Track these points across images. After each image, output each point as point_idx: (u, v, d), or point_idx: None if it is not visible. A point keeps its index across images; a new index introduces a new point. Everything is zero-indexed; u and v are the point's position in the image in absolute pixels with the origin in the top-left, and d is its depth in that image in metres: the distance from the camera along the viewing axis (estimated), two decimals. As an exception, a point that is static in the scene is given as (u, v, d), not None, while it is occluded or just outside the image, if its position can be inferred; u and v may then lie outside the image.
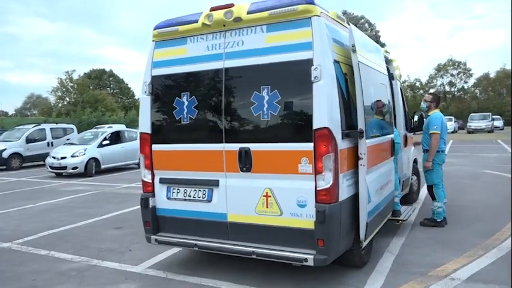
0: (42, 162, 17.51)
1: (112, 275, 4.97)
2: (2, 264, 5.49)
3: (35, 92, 76.11)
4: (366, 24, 49.40)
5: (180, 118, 4.71)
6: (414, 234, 6.19)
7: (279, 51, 4.14)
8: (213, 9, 4.45)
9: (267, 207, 4.24)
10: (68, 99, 58.03)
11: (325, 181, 3.95)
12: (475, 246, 5.45)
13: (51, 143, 19.47)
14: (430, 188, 6.71)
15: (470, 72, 65.13)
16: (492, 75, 63.87)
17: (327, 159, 3.93)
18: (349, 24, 4.58)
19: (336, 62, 4.16)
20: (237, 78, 4.40)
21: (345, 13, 48.23)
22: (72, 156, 14.92)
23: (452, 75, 65.70)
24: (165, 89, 4.85)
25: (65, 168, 14.88)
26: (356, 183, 4.35)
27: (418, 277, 4.52)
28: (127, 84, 67.98)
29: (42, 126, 20.25)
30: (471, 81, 66.19)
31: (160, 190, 4.90)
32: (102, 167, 15.57)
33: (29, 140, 18.96)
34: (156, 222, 4.92)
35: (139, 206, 5.05)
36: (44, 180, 14.32)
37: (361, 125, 4.23)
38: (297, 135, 4.13)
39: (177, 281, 4.70)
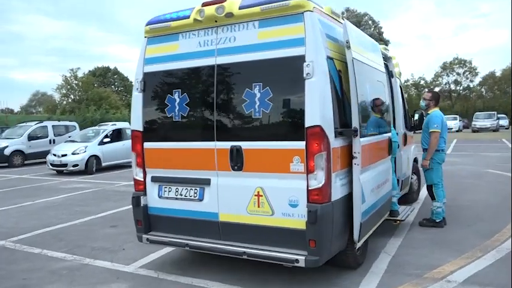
0: (44, 160, 17.49)
1: (103, 275, 4.90)
2: (-6, 263, 5.45)
3: (40, 90, 76.51)
4: (370, 22, 48.99)
5: (172, 115, 4.63)
6: (412, 234, 6.08)
7: (271, 47, 4.05)
8: (204, 4, 4.36)
9: (259, 206, 4.16)
10: (72, 96, 58.18)
11: (317, 180, 3.86)
12: (474, 248, 5.34)
13: (53, 140, 19.48)
14: (429, 188, 6.60)
15: (476, 70, 64.68)
16: (498, 73, 63.37)
17: (319, 158, 3.83)
18: (344, 20, 4.47)
19: (329, 58, 4.06)
20: (229, 75, 4.32)
21: (348, 10, 47.97)
22: (73, 154, 14.90)
23: (458, 73, 65.22)
24: (157, 86, 4.77)
25: (65, 165, 14.86)
26: (350, 183, 4.25)
27: (413, 279, 4.42)
28: (131, 82, 67.88)
29: (44, 123, 20.22)
30: (477, 80, 65.76)
31: (152, 189, 4.83)
32: (103, 164, 15.54)
33: (31, 137, 18.96)
34: (147, 221, 4.85)
35: (133, 205, 4.97)
36: (45, 178, 14.31)
37: (355, 123, 4.13)
38: (289, 133, 4.04)
39: (168, 281, 4.63)
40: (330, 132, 3.89)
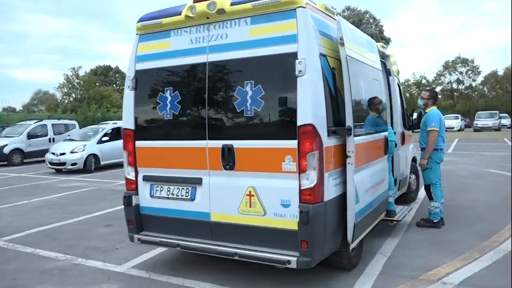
0: (43, 158, 17.45)
1: (94, 275, 4.84)
2: (-15, 262, 5.39)
3: (42, 88, 76.58)
4: (371, 20, 48.75)
5: (164, 114, 4.56)
6: (409, 235, 5.99)
7: (263, 44, 3.97)
8: (196, 0, 4.28)
9: (250, 206, 4.08)
10: (74, 95, 58.20)
11: (309, 180, 3.78)
12: (472, 249, 5.25)
13: (53, 138, 19.40)
14: (427, 188, 6.51)
15: (479, 70, 64.37)
16: (500, 72, 63.11)
17: (311, 157, 3.76)
18: (337, 16, 4.38)
19: (322, 55, 3.98)
20: (221, 72, 4.24)
21: (348, 8, 47.71)
22: (72, 152, 14.84)
23: (460, 72, 64.94)
24: (148, 84, 4.70)
25: (64, 164, 14.80)
26: (344, 183, 4.17)
27: (408, 281, 4.34)
28: (132, 81, 67.86)
29: (44, 122, 20.17)
30: (479, 79, 65.49)
31: (143, 188, 4.76)
32: (102, 163, 15.47)
33: (30, 136, 18.91)
34: (139, 221, 4.78)
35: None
36: (43, 176, 14.27)
37: (349, 121, 4.05)
38: (281, 132, 3.96)
39: (159, 281, 4.56)
40: (322, 131, 3.81)
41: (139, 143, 4.74)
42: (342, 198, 4.15)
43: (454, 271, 4.56)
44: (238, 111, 4.09)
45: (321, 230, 3.85)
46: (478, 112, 42.97)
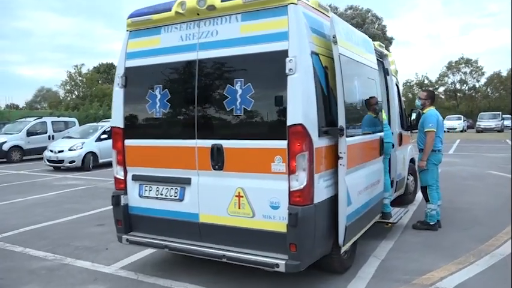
0: (42, 156, 17.39)
1: (82, 275, 4.76)
2: (-27, 261, 5.31)
3: (46, 86, 76.66)
4: (373, 18, 48.40)
5: (153, 112, 4.47)
6: (405, 237, 5.89)
7: (253, 41, 3.87)
8: None
9: (239, 208, 3.98)
10: (76, 93, 58.26)
11: (299, 182, 3.68)
12: (468, 252, 5.14)
13: (52, 136, 19.34)
14: (424, 189, 6.40)
15: (482, 70, 64.00)
16: (504, 73, 62.71)
17: (301, 158, 3.66)
18: (331, 14, 4.27)
19: (314, 54, 3.88)
20: (211, 70, 4.15)
21: (351, 7, 47.39)
22: (70, 150, 14.78)
23: (464, 73, 64.56)
24: (138, 82, 4.61)
25: (62, 161, 14.75)
26: (336, 184, 4.07)
27: (401, 285, 4.24)
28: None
29: (44, 119, 20.13)
30: (483, 80, 65.09)
31: (132, 187, 4.67)
32: (100, 161, 15.40)
33: (29, 133, 18.86)
34: (128, 221, 4.69)
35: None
36: (41, 174, 14.20)
37: (341, 121, 3.95)
38: (270, 132, 3.87)
39: (147, 283, 4.48)
40: (313, 131, 3.70)
41: (128, 142, 4.66)
42: (334, 200, 4.05)
43: (448, 275, 4.46)
44: (227, 110, 4.00)
45: (311, 233, 3.75)
46: (481, 113, 42.70)
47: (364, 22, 45.58)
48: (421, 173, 6.43)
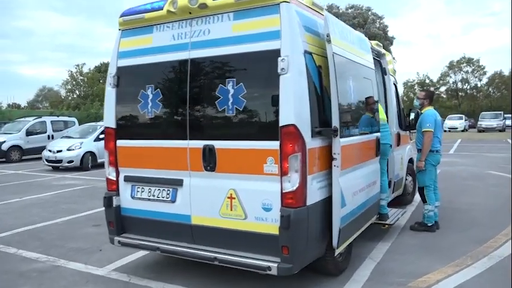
0: (41, 155, 17.37)
1: (74, 277, 4.70)
2: (-35, 263, 5.26)
3: (47, 85, 76.67)
4: (374, 17, 48.09)
5: (145, 112, 4.42)
6: (401, 239, 5.81)
7: (245, 40, 3.81)
8: None
9: (231, 210, 3.92)
10: (77, 92, 58.27)
11: (291, 183, 3.61)
12: (465, 254, 5.06)
13: (52, 135, 19.27)
14: (421, 190, 6.33)
15: (484, 70, 63.73)
16: (506, 73, 62.46)
17: (293, 159, 3.59)
18: (325, 12, 4.20)
19: (308, 53, 3.82)
20: (203, 70, 4.09)
21: (352, 7, 47.18)
22: (68, 150, 14.73)
23: (466, 72, 64.28)
24: (130, 81, 4.55)
25: (60, 161, 14.71)
26: (330, 186, 4.00)
27: (396, 288, 4.18)
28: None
29: (43, 119, 20.07)
30: (484, 80, 64.83)
31: (124, 189, 4.62)
32: (99, 161, 15.28)
33: (29, 133, 18.80)
34: (120, 223, 4.64)
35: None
36: (39, 174, 14.16)
37: (335, 122, 3.88)
38: (262, 132, 3.80)
39: (139, 285, 4.42)
40: (305, 131, 3.64)
41: (120, 142, 4.60)
42: (328, 201, 3.99)
43: (444, 278, 4.39)
44: (219, 110, 3.94)
45: (303, 236, 3.68)
46: (482, 113, 42.49)
47: (366, 22, 45.35)
48: (418, 173, 6.36)
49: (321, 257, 4.12)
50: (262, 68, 3.76)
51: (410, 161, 7.93)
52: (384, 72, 6.71)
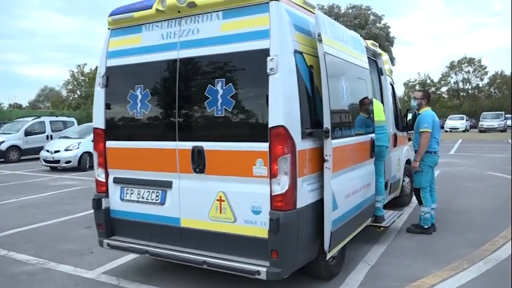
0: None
1: (63, 281, 4.63)
2: (-46, 265, 5.20)
3: (49, 85, 76.70)
4: (374, 18, 47.88)
5: (134, 113, 4.34)
6: (397, 242, 5.72)
7: (234, 40, 3.73)
8: None
9: (221, 212, 3.84)
10: (79, 92, 58.30)
11: (281, 186, 3.53)
12: (461, 258, 4.97)
13: (51, 136, 19.22)
14: (417, 192, 6.24)
15: (486, 70, 63.50)
16: (507, 73, 62.25)
17: (283, 161, 3.51)
18: (316, 11, 4.12)
19: (298, 52, 3.73)
20: (192, 69, 4.01)
21: (354, 7, 46.99)
22: (66, 150, 14.68)
23: (467, 72, 64.06)
24: (119, 82, 4.48)
25: (58, 162, 14.65)
26: (321, 188, 3.91)
27: (389, 292, 4.09)
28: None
29: (42, 119, 20.04)
30: (486, 80, 64.60)
31: (114, 190, 4.54)
32: (97, 161, 15.26)
33: (28, 133, 18.78)
34: (109, 225, 4.56)
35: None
36: (37, 174, 14.11)
37: (326, 123, 3.79)
38: (252, 134, 3.72)
39: (128, 289, 4.35)
40: (295, 133, 3.55)
41: (109, 143, 4.53)
42: (320, 204, 3.90)
43: (439, 282, 4.30)
44: (208, 111, 3.86)
45: (293, 239, 3.60)
46: (484, 113, 42.30)
47: (367, 22, 45.14)
48: (415, 174, 6.28)
49: (313, 261, 4.04)
50: (252, 68, 3.69)
51: (408, 162, 7.83)
52: (380, 72, 6.64)
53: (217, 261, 3.80)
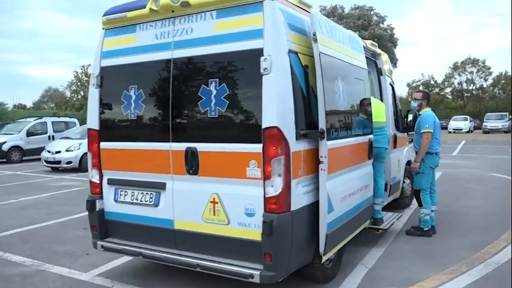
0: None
1: (56, 283, 4.58)
2: (-51, 267, 5.17)
3: (53, 86, 77.02)
4: (378, 18, 47.62)
5: (128, 114, 4.30)
6: (396, 244, 5.64)
7: (228, 39, 3.67)
8: None
9: (214, 214, 3.79)
10: (82, 93, 58.44)
11: (274, 188, 3.47)
12: (460, 261, 4.89)
13: (53, 136, 19.23)
14: (417, 193, 6.15)
15: (490, 70, 63.17)
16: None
17: (276, 162, 3.45)
18: (312, 10, 4.05)
19: (293, 52, 3.67)
20: (185, 70, 3.96)
21: (358, 7, 46.78)
22: (67, 151, 14.68)
23: (471, 72, 63.74)
24: (113, 82, 4.43)
25: (59, 162, 14.65)
26: (317, 190, 3.85)
27: (386, 296, 4.02)
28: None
29: (44, 119, 20.07)
30: (490, 80, 64.24)
31: (108, 192, 4.50)
32: (98, 162, 15.24)
33: (29, 133, 18.80)
34: (103, 227, 4.52)
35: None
36: (38, 175, 14.11)
37: (321, 124, 3.73)
38: (245, 135, 3.66)
39: (121, 292, 4.30)
40: (289, 134, 3.49)
41: (104, 144, 4.48)
42: (315, 206, 3.83)
43: (437, 286, 4.23)
44: (202, 111, 3.81)
45: (287, 242, 3.54)
46: (487, 114, 42.07)
47: (370, 23, 44.93)
48: (415, 175, 6.20)
49: (309, 264, 3.97)
50: (245, 68, 3.63)
51: (409, 163, 7.75)
52: (379, 72, 6.56)
53: (210, 264, 3.75)
